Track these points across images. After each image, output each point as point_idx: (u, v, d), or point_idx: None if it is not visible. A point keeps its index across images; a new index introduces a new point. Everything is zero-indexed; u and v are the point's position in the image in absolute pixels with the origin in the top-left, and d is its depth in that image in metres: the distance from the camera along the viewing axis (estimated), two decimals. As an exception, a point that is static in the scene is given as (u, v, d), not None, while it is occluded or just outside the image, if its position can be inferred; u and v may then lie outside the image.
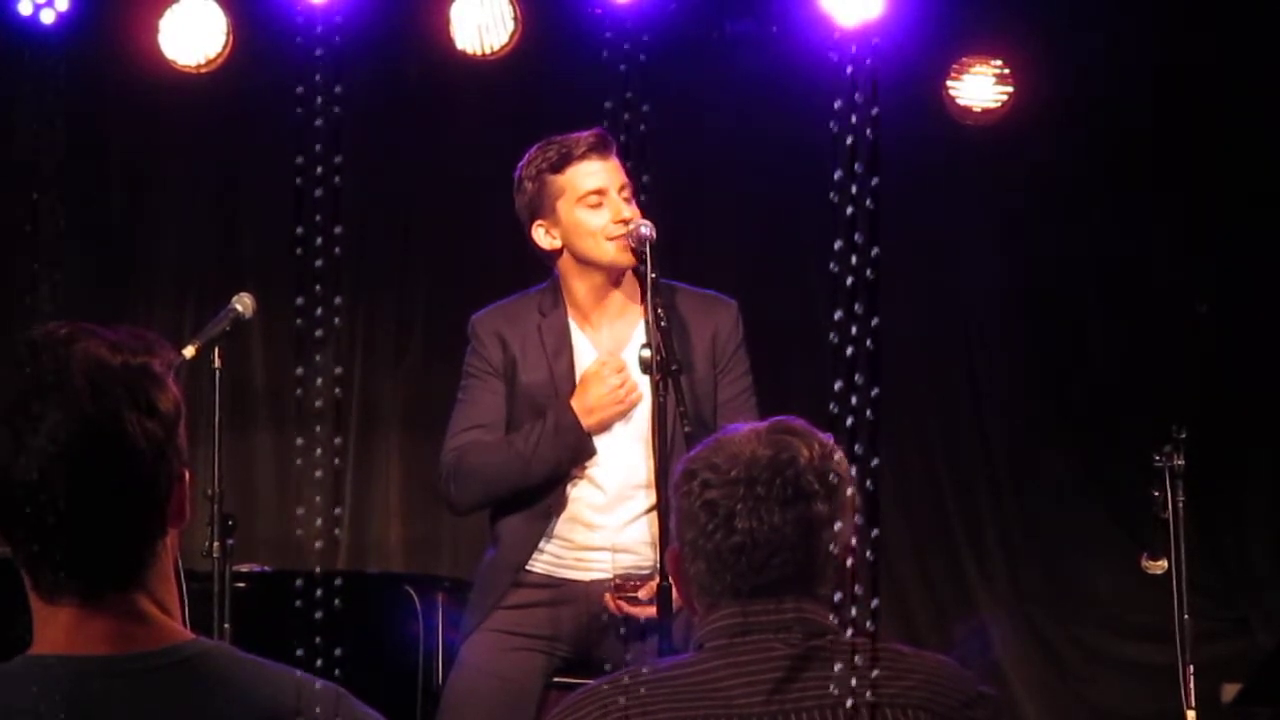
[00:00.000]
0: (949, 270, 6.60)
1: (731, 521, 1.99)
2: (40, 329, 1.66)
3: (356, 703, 1.70)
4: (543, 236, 3.85)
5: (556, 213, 3.82)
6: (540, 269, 3.97)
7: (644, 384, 3.70)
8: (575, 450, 3.77)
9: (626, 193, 3.82)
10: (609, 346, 3.84)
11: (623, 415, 3.80)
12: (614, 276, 3.84)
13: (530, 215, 3.86)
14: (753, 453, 2.01)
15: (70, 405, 1.60)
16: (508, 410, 3.85)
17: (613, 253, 3.78)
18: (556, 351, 3.84)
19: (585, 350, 3.85)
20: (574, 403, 3.76)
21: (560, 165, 3.81)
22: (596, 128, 3.83)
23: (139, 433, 1.62)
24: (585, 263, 3.82)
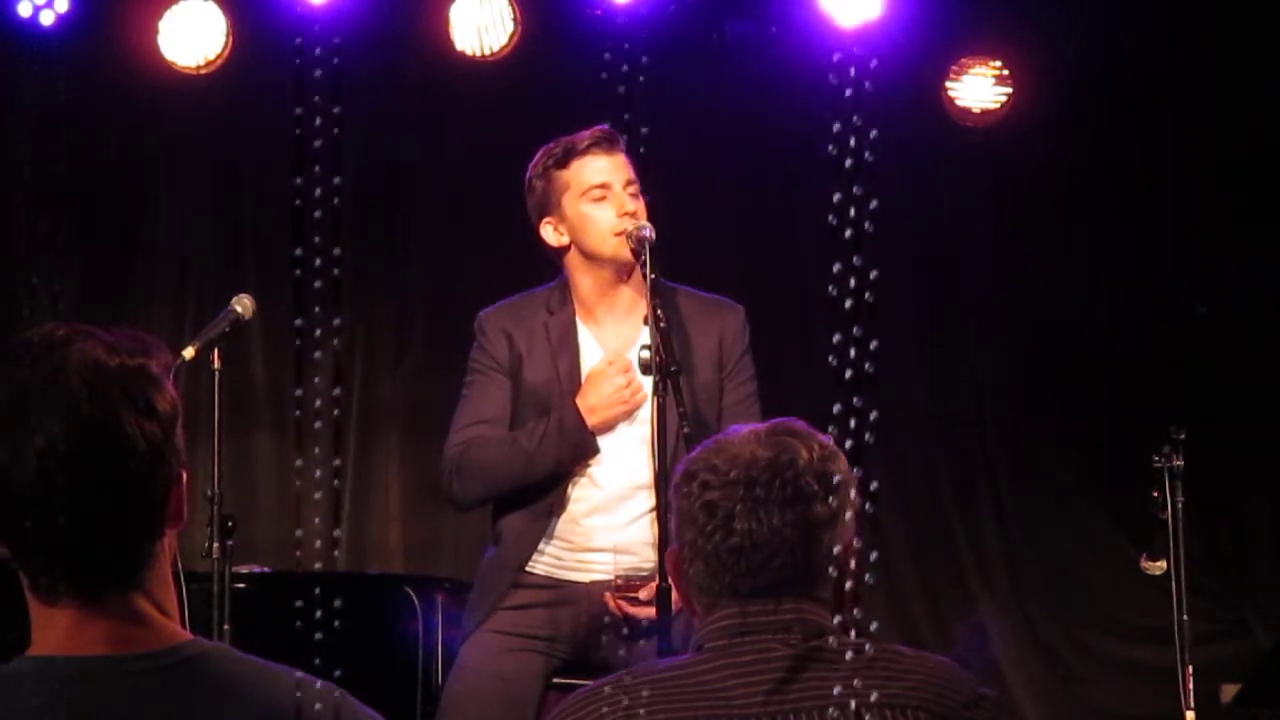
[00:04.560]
0: (948, 270, 6.60)
1: (730, 523, 1.98)
2: (37, 330, 1.66)
3: (356, 703, 1.70)
4: (551, 234, 3.87)
5: (563, 208, 3.83)
6: (540, 270, 3.98)
7: (649, 385, 3.70)
8: (579, 448, 3.77)
9: (633, 188, 3.83)
10: (615, 346, 3.85)
11: (627, 415, 3.80)
12: (620, 272, 3.85)
13: (539, 213, 3.88)
14: (752, 454, 2.00)
15: (68, 407, 1.60)
16: (512, 407, 3.85)
17: (616, 246, 3.78)
18: (562, 350, 3.84)
19: (591, 349, 3.86)
20: (578, 401, 3.77)
21: (565, 160, 3.83)
22: (602, 124, 3.85)
23: (137, 434, 1.62)
24: (590, 257, 3.83)
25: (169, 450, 1.65)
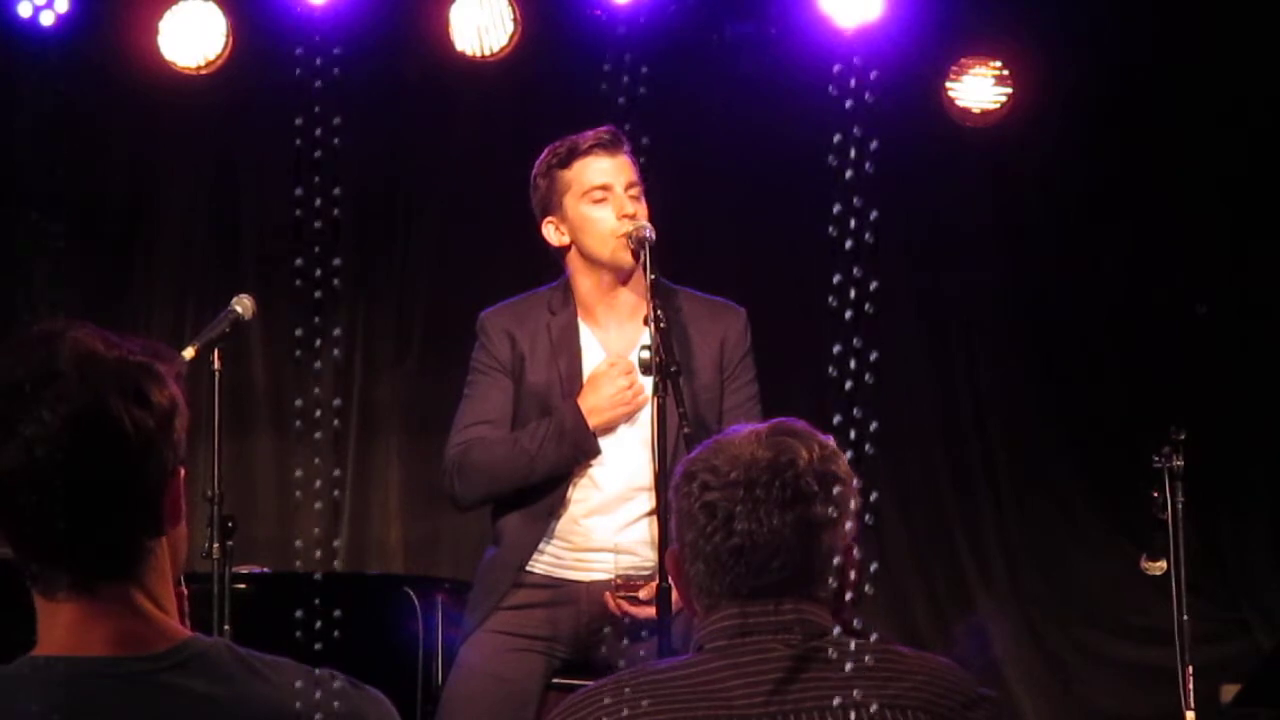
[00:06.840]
0: (948, 270, 6.60)
1: (730, 523, 1.98)
2: (38, 325, 1.67)
3: (354, 684, 1.71)
4: (552, 233, 3.88)
5: (564, 208, 3.84)
6: (541, 270, 3.98)
7: (649, 386, 3.70)
8: (580, 449, 3.77)
9: (635, 191, 3.82)
10: (617, 348, 3.85)
11: (628, 417, 3.80)
12: (620, 274, 3.85)
13: (541, 212, 3.89)
14: (752, 454, 2.00)
15: (59, 392, 1.60)
16: (514, 408, 3.86)
17: (615, 248, 3.78)
18: (564, 351, 3.84)
19: (593, 350, 3.86)
20: (580, 402, 3.77)
21: (568, 161, 3.84)
22: (608, 125, 3.85)
23: (125, 418, 1.62)
24: (590, 259, 3.84)
25: (163, 441, 1.65)
